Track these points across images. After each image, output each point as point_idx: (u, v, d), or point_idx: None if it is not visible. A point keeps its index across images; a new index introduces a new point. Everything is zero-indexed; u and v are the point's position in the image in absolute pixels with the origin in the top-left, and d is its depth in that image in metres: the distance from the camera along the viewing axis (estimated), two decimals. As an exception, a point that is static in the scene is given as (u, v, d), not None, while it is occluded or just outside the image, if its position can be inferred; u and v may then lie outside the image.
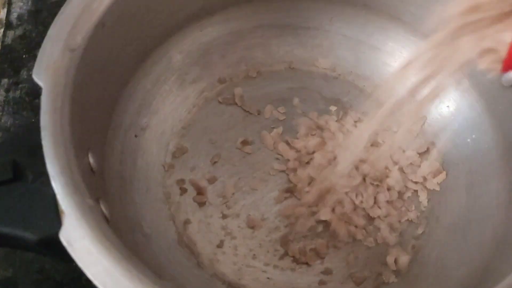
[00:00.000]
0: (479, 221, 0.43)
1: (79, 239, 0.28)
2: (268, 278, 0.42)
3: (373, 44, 0.52)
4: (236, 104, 0.50)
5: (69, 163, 0.31)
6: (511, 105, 0.41)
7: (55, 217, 0.31)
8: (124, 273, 0.27)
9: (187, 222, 0.44)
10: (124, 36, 0.41)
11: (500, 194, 0.42)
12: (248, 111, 0.50)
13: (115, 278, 0.27)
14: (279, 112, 0.50)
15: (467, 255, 0.41)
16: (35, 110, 0.51)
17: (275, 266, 0.42)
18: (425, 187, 0.46)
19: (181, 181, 0.46)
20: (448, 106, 0.49)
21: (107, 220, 0.34)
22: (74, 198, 0.29)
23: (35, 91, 0.52)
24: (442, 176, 0.46)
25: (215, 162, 0.47)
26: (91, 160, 0.36)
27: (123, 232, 0.38)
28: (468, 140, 0.46)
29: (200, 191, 0.45)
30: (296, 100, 0.51)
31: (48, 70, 0.34)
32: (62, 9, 0.37)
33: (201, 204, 0.45)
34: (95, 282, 0.27)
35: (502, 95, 0.42)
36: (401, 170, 0.46)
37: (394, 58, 0.51)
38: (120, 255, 0.28)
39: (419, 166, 0.47)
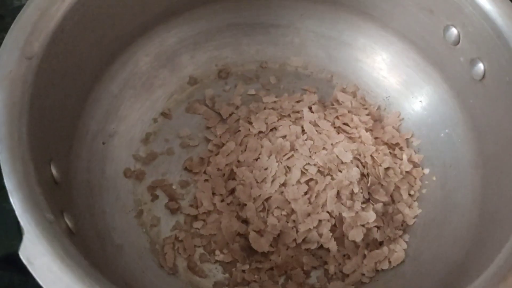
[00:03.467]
0: (454, 217, 0.42)
1: (39, 256, 0.27)
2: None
3: (345, 41, 0.51)
4: (207, 106, 0.49)
5: (27, 176, 0.29)
6: (482, 98, 0.41)
7: (16, 234, 0.29)
8: (86, 290, 0.26)
9: (159, 229, 0.43)
10: (85, 40, 0.39)
11: (475, 189, 0.42)
12: (219, 113, 0.49)
13: (78, 296, 0.26)
14: (252, 111, 0.49)
15: (443, 251, 0.41)
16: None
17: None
18: (408, 182, 0.46)
19: (152, 187, 0.45)
20: (421, 101, 0.48)
21: (72, 233, 0.33)
22: (33, 214, 0.28)
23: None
24: (420, 172, 0.46)
25: (186, 167, 0.46)
26: (53, 171, 0.34)
27: (92, 244, 0.37)
28: (442, 134, 0.46)
29: (172, 197, 0.44)
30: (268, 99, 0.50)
31: (4, 80, 0.32)
32: (19, 16, 0.35)
33: (174, 210, 0.44)
34: (57, 301, 0.26)
35: (473, 88, 0.42)
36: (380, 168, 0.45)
37: (366, 54, 0.51)
38: (83, 272, 0.27)
39: (398, 163, 0.46)
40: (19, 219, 0.28)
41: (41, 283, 0.26)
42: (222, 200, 0.44)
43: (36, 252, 0.27)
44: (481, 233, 0.39)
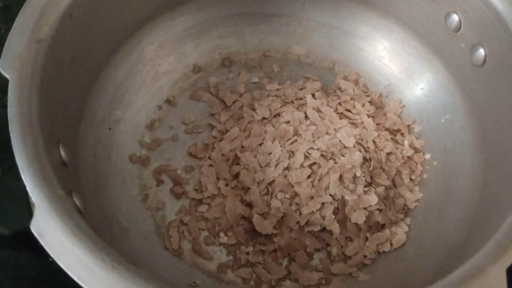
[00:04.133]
0: (455, 200, 0.43)
1: (50, 230, 0.28)
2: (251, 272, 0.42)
3: (346, 29, 0.52)
4: (211, 93, 0.50)
5: (38, 155, 0.30)
6: (482, 84, 0.42)
7: (26, 210, 0.30)
8: (98, 263, 0.27)
9: (164, 213, 0.44)
10: (93, 27, 0.40)
11: (475, 173, 0.43)
12: (223, 100, 0.49)
13: (89, 268, 0.27)
14: (256, 99, 0.49)
15: (444, 235, 0.41)
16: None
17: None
18: (409, 167, 0.46)
19: (158, 172, 0.45)
20: (422, 88, 0.49)
21: (80, 212, 0.33)
22: (44, 189, 0.29)
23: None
24: (421, 157, 0.47)
25: (191, 153, 0.47)
26: (62, 152, 0.35)
27: (98, 225, 0.38)
28: (442, 120, 0.47)
29: (176, 182, 0.45)
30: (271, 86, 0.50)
31: (14, 61, 0.33)
32: (28, 1, 0.36)
33: (178, 195, 0.45)
34: (69, 273, 0.27)
35: (473, 74, 0.42)
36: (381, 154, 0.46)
37: (368, 42, 0.52)
38: (93, 245, 0.28)
39: (400, 148, 0.47)
40: (30, 194, 0.28)
41: (53, 256, 0.27)
42: (227, 185, 0.44)
43: (48, 226, 0.28)
44: (480, 215, 0.39)
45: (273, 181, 0.43)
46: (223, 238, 0.43)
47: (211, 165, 0.46)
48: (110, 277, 0.27)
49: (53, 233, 0.28)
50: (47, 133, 0.33)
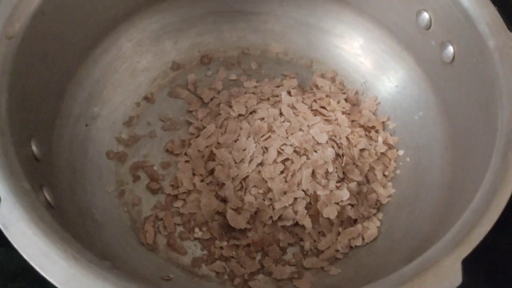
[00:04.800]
0: (425, 196, 0.44)
1: (14, 221, 0.28)
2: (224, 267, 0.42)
3: (323, 27, 0.53)
4: (190, 90, 0.51)
5: (5, 148, 0.31)
6: (452, 81, 0.42)
7: None
8: (59, 253, 0.27)
9: (140, 208, 0.44)
10: (67, 24, 0.41)
11: (444, 169, 0.43)
12: (201, 97, 0.50)
13: (51, 258, 0.27)
14: (233, 96, 0.50)
15: (414, 229, 0.42)
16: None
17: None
18: (383, 163, 0.47)
19: (134, 168, 0.46)
20: (396, 86, 0.50)
21: (51, 207, 0.34)
22: (9, 182, 0.29)
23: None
24: (394, 153, 0.47)
25: (168, 149, 0.47)
26: (34, 147, 0.36)
27: (73, 220, 0.38)
28: (416, 117, 0.47)
29: (153, 178, 0.46)
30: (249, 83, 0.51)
31: (-16, 58, 0.34)
32: (0, -2, 0.37)
33: (155, 190, 0.45)
34: (32, 263, 0.27)
35: (443, 71, 0.43)
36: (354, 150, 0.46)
37: (344, 40, 0.52)
38: (56, 236, 0.28)
39: (373, 145, 0.47)
40: (-4, 187, 0.29)
41: (16, 246, 0.28)
42: (202, 180, 0.45)
43: (12, 218, 0.28)
44: (448, 210, 0.40)
45: (247, 176, 0.44)
46: (198, 233, 0.43)
47: (187, 161, 0.46)
48: (71, 267, 0.27)
49: (17, 225, 0.28)
50: (17, 128, 0.33)
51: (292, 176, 0.43)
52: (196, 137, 0.47)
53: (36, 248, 0.27)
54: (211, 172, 0.45)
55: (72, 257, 0.27)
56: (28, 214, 0.28)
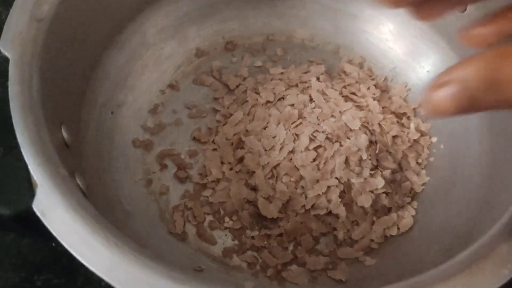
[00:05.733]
0: (462, 184, 0.42)
1: (53, 208, 0.27)
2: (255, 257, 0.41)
3: (351, 12, 0.51)
4: (215, 77, 0.49)
5: (40, 133, 0.30)
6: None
7: (28, 191, 0.30)
8: (101, 241, 0.26)
9: (168, 197, 0.43)
10: (93, 7, 0.39)
11: (481, 156, 0.42)
12: (226, 84, 0.49)
13: (93, 246, 0.26)
14: (259, 82, 0.49)
15: (451, 218, 0.41)
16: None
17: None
18: (416, 150, 0.46)
19: (161, 157, 0.45)
20: (428, 71, 0.48)
21: (84, 194, 0.33)
22: (46, 168, 0.28)
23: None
24: (427, 140, 0.46)
25: (194, 137, 0.46)
26: (64, 134, 0.35)
27: (101, 209, 0.37)
28: (449, 103, 0.46)
29: (180, 167, 0.44)
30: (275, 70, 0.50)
31: (15, 40, 0.33)
32: (27, -20, 0.35)
33: (182, 179, 0.44)
34: (72, 251, 0.26)
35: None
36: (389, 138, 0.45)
37: (373, 25, 0.51)
38: (96, 223, 0.27)
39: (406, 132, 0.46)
40: (32, 173, 0.28)
41: (55, 234, 0.27)
42: (231, 169, 0.44)
43: (50, 205, 0.27)
44: (488, 198, 0.39)
45: (278, 164, 0.42)
46: (228, 223, 0.42)
47: (215, 149, 0.45)
48: (113, 255, 0.26)
49: (55, 212, 0.27)
50: (49, 113, 0.32)
51: (325, 163, 0.42)
52: (224, 124, 0.46)
53: (76, 236, 0.26)
54: (240, 160, 0.44)
55: (114, 245, 0.26)
56: (67, 200, 0.27)
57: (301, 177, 0.42)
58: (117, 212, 0.40)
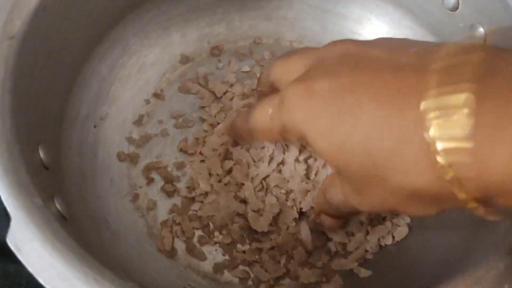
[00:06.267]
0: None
1: (27, 242, 0.26)
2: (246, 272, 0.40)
3: (340, 12, 0.50)
4: (201, 84, 0.48)
5: (12, 160, 0.28)
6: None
7: (4, 220, 0.28)
8: (79, 275, 0.25)
9: (156, 213, 0.42)
10: (70, 19, 0.38)
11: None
12: (213, 92, 0.47)
13: (70, 281, 0.25)
14: (246, 89, 0.47)
15: (447, 223, 0.39)
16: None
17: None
18: None
19: (147, 170, 0.43)
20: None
21: (64, 219, 0.32)
22: (19, 198, 0.27)
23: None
24: None
25: (181, 149, 0.45)
26: (42, 154, 0.33)
27: (86, 230, 0.36)
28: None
29: (168, 180, 0.43)
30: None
31: (-15, 60, 0.31)
32: (-2, -6, 0.34)
33: (170, 193, 0.43)
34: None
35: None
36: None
37: (362, 25, 0.49)
38: (74, 256, 0.26)
39: None
40: (5, 204, 0.26)
41: (30, 270, 0.25)
42: (219, 181, 0.42)
43: (24, 238, 0.26)
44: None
45: (268, 176, 0.41)
46: (218, 237, 0.41)
47: (202, 160, 0.43)
48: (92, 290, 0.25)
49: (30, 245, 0.26)
50: (24, 136, 0.31)
51: (316, 174, 0.41)
52: (211, 134, 0.45)
53: (53, 271, 0.25)
54: (229, 171, 0.43)
55: (93, 280, 0.25)
56: (42, 233, 0.26)
57: (291, 189, 0.40)
58: (102, 232, 0.38)
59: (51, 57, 0.36)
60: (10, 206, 0.26)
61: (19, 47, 0.32)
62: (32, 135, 0.33)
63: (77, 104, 0.41)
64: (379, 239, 0.41)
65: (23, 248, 0.26)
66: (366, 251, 0.41)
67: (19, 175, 0.28)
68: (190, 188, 0.43)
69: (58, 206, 0.31)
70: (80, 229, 0.35)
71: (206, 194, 0.42)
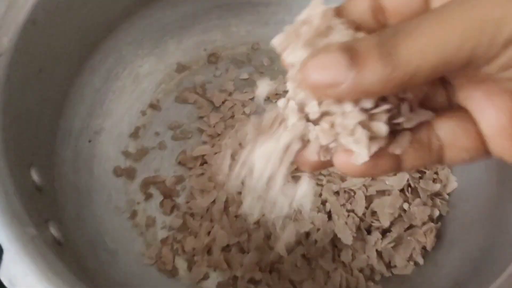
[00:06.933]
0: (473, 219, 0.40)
1: (22, 276, 0.24)
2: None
3: (339, 15, 0.48)
4: (198, 94, 0.46)
5: (3, 187, 0.26)
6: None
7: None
8: (77, 311, 0.23)
9: (155, 230, 0.40)
10: (61, 31, 0.36)
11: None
12: (211, 101, 0.46)
13: (67, 319, 0.23)
14: (246, 98, 0.46)
15: (457, 240, 0.38)
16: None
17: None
18: None
19: (145, 185, 0.42)
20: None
21: (59, 244, 0.30)
22: (12, 229, 0.25)
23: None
24: None
25: (180, 162, 0.43)
26: (35, 177, 0.32)
27: (83, 252, 0.35)
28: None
29: (166, 195, 0.41)
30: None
31: (-28, 80, 0.29)
32: (-16, 9, 0.32)
33: (169, 209, 0.41)
34: (45, 326, 0.23)
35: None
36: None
37: (363, 29, 0.48)
38: (71, 290, 0.24)
39: None
40: (-3, 236, 0.25)
41: (26, 306, 0.24)
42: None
43: (18, 272, 0.24)
44: (497, 239, 0.35)
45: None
46: (220, 256, 0.39)
47: (202, 174, 0.42)
48: (92, 328, 0.23)
49: (24, 280, 0.24)
50: (14, 158, 0.29)
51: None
52: (215, 154, 0.43)
53: (49, 307, 0.23)
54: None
55: (93, 316, 0.23)
56: (38, 266, 0.24)
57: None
58: (100, 252, 0.37)
59: (42, 73, 0.35)
60: (3, 237, 0.25)
61: (7, 65, 0.31)
62: (24, 157, 0.31)
63: (70, 119, 0.40)
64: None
65: (17, 283, 0.24)
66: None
67: (10, 204, 0.26)
68: (190, 203, 0.41)
69: (52, 231, 0.30)
70: (76, 253, 0.33)
71: (206, 209, 0.40)
